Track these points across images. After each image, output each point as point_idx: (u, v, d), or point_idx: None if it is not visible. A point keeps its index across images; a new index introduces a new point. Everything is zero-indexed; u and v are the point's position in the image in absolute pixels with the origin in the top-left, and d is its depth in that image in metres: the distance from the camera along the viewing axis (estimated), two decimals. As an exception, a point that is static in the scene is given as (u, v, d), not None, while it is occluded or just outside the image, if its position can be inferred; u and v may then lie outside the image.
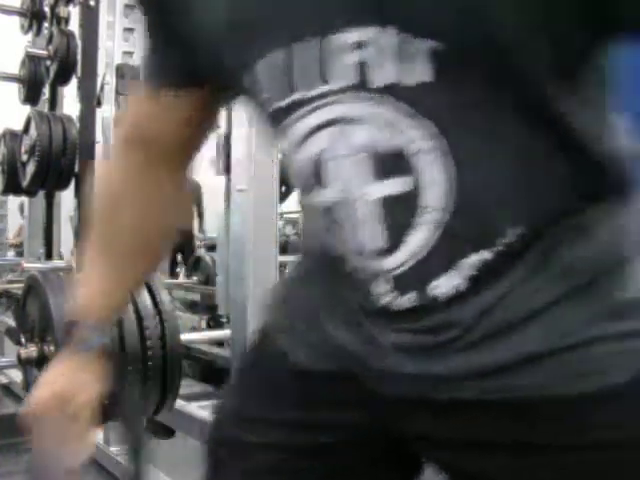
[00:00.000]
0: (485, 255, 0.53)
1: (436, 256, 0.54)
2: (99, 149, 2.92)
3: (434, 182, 0.52)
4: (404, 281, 0.55)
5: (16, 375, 2.99)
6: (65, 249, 3.88)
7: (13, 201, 5.30)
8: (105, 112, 2.90)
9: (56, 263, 3.56)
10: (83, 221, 2.95)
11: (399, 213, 0.53)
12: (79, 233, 3.00)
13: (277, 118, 0.57)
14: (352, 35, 0.51)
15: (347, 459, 0.68)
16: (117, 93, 2.95)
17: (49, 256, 3.85)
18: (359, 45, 0.51)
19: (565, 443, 0.54)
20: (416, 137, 0.52)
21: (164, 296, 2.03)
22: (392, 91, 0.51)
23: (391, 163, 0.53)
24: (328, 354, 0.66)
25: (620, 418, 0.53)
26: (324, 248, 0.63)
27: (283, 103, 0.55)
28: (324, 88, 0.53)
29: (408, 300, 0.55)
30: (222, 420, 0.77)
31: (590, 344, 0.53)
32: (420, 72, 0.50)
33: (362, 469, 0.69)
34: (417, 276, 0.55)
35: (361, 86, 0.52)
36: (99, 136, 2.94)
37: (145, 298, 2.04)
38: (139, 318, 1.96)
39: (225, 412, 0.77)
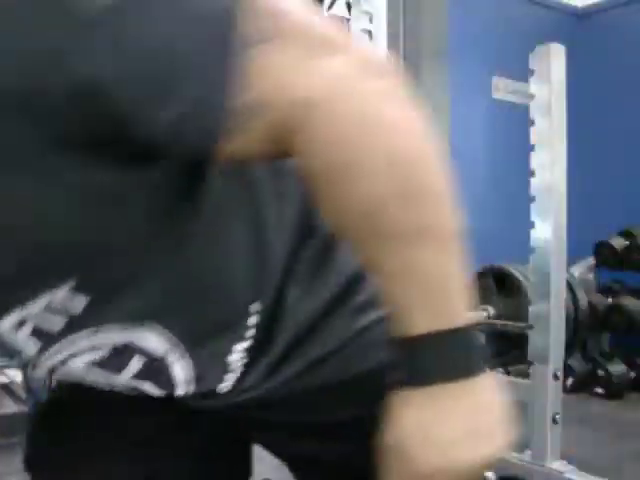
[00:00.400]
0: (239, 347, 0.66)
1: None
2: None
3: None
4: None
5: (16, 375, 2.99)
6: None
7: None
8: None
9: (56, 263, 3.55)
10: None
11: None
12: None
13: None
14: (12, 317, 0.56)
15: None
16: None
17: (49, 256, 3.84)
18: (21, 322, 0.56)
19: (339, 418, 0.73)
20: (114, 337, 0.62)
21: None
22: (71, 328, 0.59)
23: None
24: None
25: (359, 399, 0.70)
26: None
27: None
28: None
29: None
30: None
31: (344, 346, 0.70)
32: (76, 307, 0.57)
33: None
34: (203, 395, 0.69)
35: (44, 348, 0.60)
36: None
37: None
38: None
39: None
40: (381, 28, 2.84)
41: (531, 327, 2.36)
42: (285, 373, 0.70)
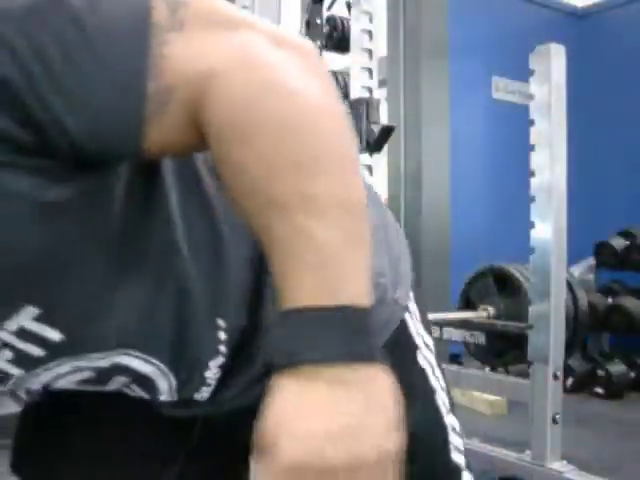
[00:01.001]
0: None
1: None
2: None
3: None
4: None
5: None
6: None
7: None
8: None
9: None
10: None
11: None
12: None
13: None
14: None
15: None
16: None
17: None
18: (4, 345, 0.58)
19: None
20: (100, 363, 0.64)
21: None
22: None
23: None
24: None
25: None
26: None
27: None
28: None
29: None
30: None
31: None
32: (36, 351, 0.59)
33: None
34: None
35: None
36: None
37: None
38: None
39: None
40: (381, 28, 2.84)
41: (531, 327, 2.36)
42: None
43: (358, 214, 0.50)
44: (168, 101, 0.49)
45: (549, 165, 2.25)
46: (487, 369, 3.25)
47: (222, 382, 0.70)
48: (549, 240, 2.25)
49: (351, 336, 0.47)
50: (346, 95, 2.78)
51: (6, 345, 0.58)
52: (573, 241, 2.40)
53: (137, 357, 0.64)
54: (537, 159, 2.29)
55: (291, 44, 0.52)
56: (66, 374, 0.64)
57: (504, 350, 3.12)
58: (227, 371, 0.69)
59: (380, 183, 3.77)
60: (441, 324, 2.82)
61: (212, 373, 0.69)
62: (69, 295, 0.56)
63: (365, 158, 2.68)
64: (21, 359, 0.60)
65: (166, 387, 0.68)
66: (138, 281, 0.59)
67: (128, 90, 0.48)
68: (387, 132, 2.63)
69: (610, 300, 4.18)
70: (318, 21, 2.95)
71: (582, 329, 3.28)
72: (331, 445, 0.45)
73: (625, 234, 4.33)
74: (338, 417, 0.46)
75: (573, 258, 3.28)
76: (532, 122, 2.30)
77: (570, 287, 3.02)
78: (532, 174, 2.30)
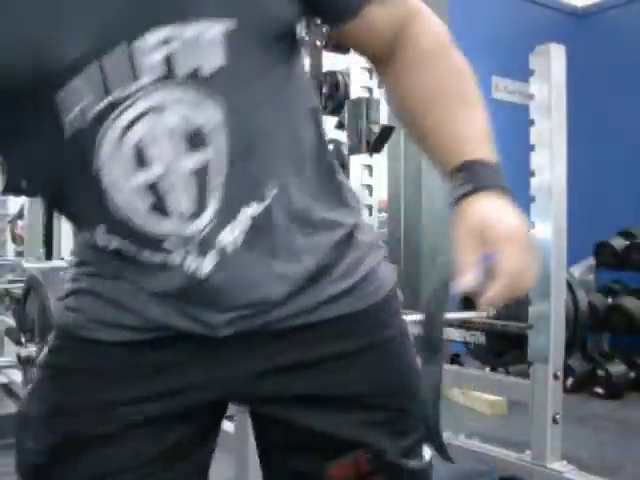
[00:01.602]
0: (256, 207, 0.69)
1: (223, 214, 0.68)
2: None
3: (222, 152, 0.66)
4: (206, 243, 0.68)
5: (16, 375, 2.99)
6: (65, 249, 3.87)
7: (14, 201, 5.30)
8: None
9: (56, 263, 3.56)
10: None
11: (203, 181, 0.66)
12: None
13: (92, 124, 0.63)
14: (157, 34, 0.60)
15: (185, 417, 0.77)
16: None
17: (49, 256, 3.85)
18: (165, 41, 0.61)
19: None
20: (212, 115, 0.64)
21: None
22: (194, 78, 0.63)
23: (197, 139, 0.65)
24: (148, 328, 0.74)
25: (364, 330, 0.79)
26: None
27: (98, 107, 0.62)
28: (137, 85, 0.62)
29: (210, 260, 0.69)
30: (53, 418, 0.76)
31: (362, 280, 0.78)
32: (215, 58, 0.63)
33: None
34: (213, 234, 0.68)
35: (168, 77, 0.62)
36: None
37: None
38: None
39: (53, 411, 0.76)
40: (381, 28, 2.83)
41: (531, 327, 2.36)
42: (315, 296, 0.76)
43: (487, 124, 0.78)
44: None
45: (549, 165, 2.25)
46: (487, 369, 3.25)
47: (243, 248, 0.69)
48: (549, 240, 2.25)
49: (502, 177, 0.73)
50: (346, 95, 2.78)
51: (171, 42, 0.61)
52: (573, 241, 2.40)
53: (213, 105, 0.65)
54: (537, 159, 2.29)
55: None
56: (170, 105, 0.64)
57: (504, 350, 3.12)
58: (251, 237, 0.70)
59: (380, 183, 3.76)
60: (441, 324, 2.81)
61: (244, 218, 0.69)
62: None
63: (365, 158, 2.68)
64: (169, 63, 0.61)
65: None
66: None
67: None
68: (387, 132, 2.63)
69: (610, 300, 4.19)
70: (318, 21, 2.94)
71: (582, 329, 3.28)
72: (523, 225, 0.70)
73: (625, 234, 4.34)
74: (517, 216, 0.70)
75: (573, 258, 3.28)
76: (532, 122, 2.30)
77: (570, 287, 3.01)
78: (532, 174, 2.30)
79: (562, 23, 5.18)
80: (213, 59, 0.63)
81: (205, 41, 0.62)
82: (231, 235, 0.69)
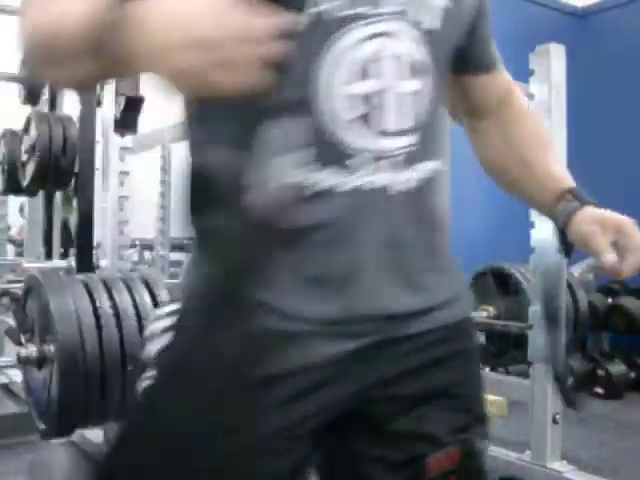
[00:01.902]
0: (429, 165, 0.78)
1: (415, 152, 0.76)
2: (99, 149, 2.92)
3: (427, 94, 0.77)
4: (405, 160, 0.75)
5: (16, 375, 2.99)
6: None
7: (13, 201, 5.31)
8: (105, 112, 2.90)
9: (56, 263, 3.56)
10: (82, 221, 2.94)
11: (416, 105, 0.75)
12: (79, 233, 3.00)
13: (328, 26, 0.70)
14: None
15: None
16: (117, 93, 2.95)
17: (49, 256, 3.85)
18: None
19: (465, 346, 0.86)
20: (425, 57, 0.76)
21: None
22: (417, 24, 0.75)
23: (417, 68, 0.75)
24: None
25: (460, 338, 0.85)
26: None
27: (344, 14, 0.71)
28: (379, 10, 0.72)
29: (406, 178, 0.75)
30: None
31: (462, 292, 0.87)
32: (433, 21, 0.76)
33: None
34: (410, 160, 0.75)
35: (401, 15, 0.74)
36: (99, 136, 2.94)
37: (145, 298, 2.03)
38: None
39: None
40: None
41: (531, 327, 2.36)
42: (433, 297, 0.81)
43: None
44: None
45: (549, 165, 2.25)
46: (487, 369, 3.25)
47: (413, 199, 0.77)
48: (549, 240, 2.25)
49: (586, 196, 0.91)
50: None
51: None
52: (573, 241, 2.40)
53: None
54: (537, 159, 2.29)
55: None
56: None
57: (504, 350, 3.12)
58: (419, 194, 0.78)
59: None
60: (441, 324, 2.81)
61: (422, 167, 0.78)
62: None
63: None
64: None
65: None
66: None
67: None
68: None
69: (610, 300, 4.18)
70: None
71: (582, 329, 3.28)
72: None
73: (625, 234, 4.33)
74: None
75: (573, 258, 3.28)
76: (532, 122, 2.30)
77: (570, 287, 3.02)
78: (532, 174, 2.29)
79: (562, 23, 5.18)
80: (431, 21, 0.76)
81: (431, 5, 0.76)
82: (412, 175, 0.76)
